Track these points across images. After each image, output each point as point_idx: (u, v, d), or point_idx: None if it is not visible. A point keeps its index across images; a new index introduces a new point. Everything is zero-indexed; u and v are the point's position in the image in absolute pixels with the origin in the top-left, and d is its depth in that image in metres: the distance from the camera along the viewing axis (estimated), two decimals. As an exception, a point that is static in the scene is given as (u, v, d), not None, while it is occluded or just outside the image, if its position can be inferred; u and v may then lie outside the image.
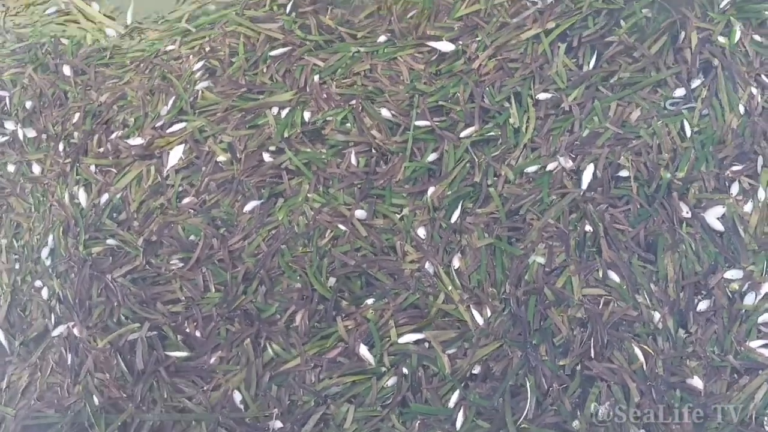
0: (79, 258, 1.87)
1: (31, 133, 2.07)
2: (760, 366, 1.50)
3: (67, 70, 2.13)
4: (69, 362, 1.78)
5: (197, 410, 1.66)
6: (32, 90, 2.12)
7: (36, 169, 2.03)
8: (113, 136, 1.99)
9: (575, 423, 1.49)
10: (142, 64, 2.09)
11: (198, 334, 1.72)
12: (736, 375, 1.51)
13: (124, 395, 1.71)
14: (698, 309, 1.55)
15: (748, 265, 1.56)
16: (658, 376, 1.50)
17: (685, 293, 1.56)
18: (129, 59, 2.12)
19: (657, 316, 1.54)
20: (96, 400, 1.73)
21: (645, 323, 1.55)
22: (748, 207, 1.61)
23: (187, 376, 1.70)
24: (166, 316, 1.75)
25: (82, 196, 1.95)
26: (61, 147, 2.02)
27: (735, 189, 1.64)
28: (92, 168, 1.97)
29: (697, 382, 1.49)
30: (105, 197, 1.92)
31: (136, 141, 1.96)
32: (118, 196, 1.91)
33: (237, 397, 1.64)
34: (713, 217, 1.61)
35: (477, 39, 1.87)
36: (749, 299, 1.54)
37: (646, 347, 1.52)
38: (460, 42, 1.87)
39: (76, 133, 2.02)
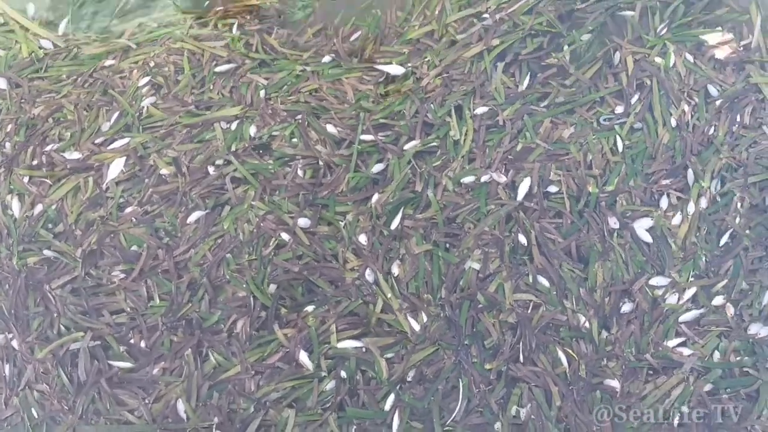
0: (13, 269, 1.99)
1: None
2: (676, 364, 1.73)
3: (2, 82, 2.23)
4: (6, 373, 1.91)
5: (139, 423, 1.81)
6: None
7: None
8: (48, 148, 2.11)
9: (497, 425, 1.70)
10: (79, 78, 2.21)
11: (143, 344, 1.88)
12: (653, 374, 1.73)
13: (65, 407, 1.85)
14: (621, 311, 1.77)
15: (674, 272, 1.79)
16: (581, 379, 1.72)
17: (610, 298, 1.78)
18: (65, 73, 2.24)
19: (582, 319, 1.76)
20: (35, 412, 1.87)
21: (571, 327, 1.76)
22: (676, 219, 1.84)
23: (129, 387, 1.85)
24: (111, 326, 1.90)
25: (15, 207, 2.06)
26: None
27: (664, 202, 1.86)
28: (25, 179, 2.09)
29: (615, 382, 1.71)
30: (39, 208, 2.04)
31: (73, 155, 2.08)
32: (54, 207, 2.04)
33: (180, 407, 1.80)
34: (642, 228, 1.83)
35: (426, 59, 2.06)
36: (672, 299, 1.78)
37: (569, 351, 1.74)
38: (410, 64, 2.07)
39: (7, 144, 2.13)
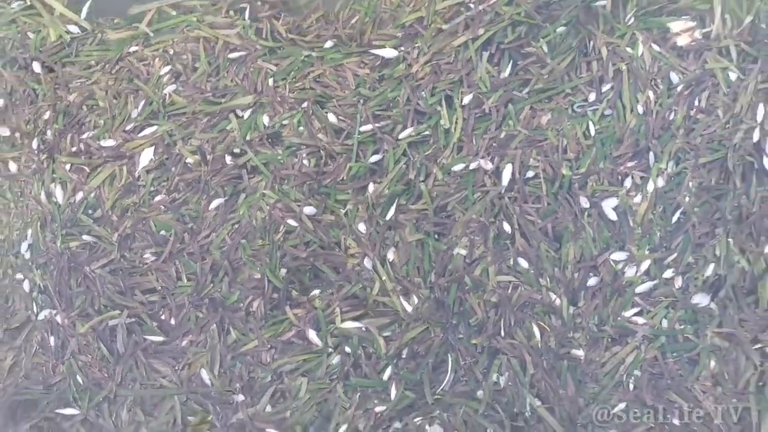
0: (57, 251, 2.19)
1: (5, 132, 2.26)
2: (632, 333, 1.93)
3: (36, 66, 2.27)
4: (52, 345, 2.16)
5: (170, 387, 2.07)
6: (2, 87, 2.29)
7: (12, 166, 2.24)
8: (84, 136, 2.25)
9: (479, 392, 1.93)
10: (107, 65, 2.30)
11: (172, 321, 2.11)
12: (612, 342, 1.94)
13: (106, 375, 2.11)
14: (587, 285, 1.96)
15: (633, 248, 1.96)
16: (551, 350, 1.93)
17: (579, 274, 1.96)
18: (95, 58, 2.31)
19: (554, 296, 1.95)
20: (80, 379, 2.13)
21: (544, 304, 1.95)
22: (638, 198, 1.99)
23: (161, 357, 2.09)
24: (144, 304, 2.12)
25: (58, 194, 2.18)
26: (35, 145, 2.23)
27: (628, 182, 2.01)
28: (66, 166, 2.24)
29: (580, 352, 1.93)
30: (80, 195, 2.21)
31: (108, 143, 2.23)
32: (92, 194, 2.21)
33: (204, 375, 2.05)
34: (609, 207, 1.99)
35: (416, 45, 2.15)
36: (630, 273, 1.95)
37: (543, 325, 1.94)
38: (402, 48, 2.16)
39: (48, 131, 2.23)
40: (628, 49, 2.07)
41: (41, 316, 2.18)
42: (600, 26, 2.10)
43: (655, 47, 2.07)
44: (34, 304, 2.21)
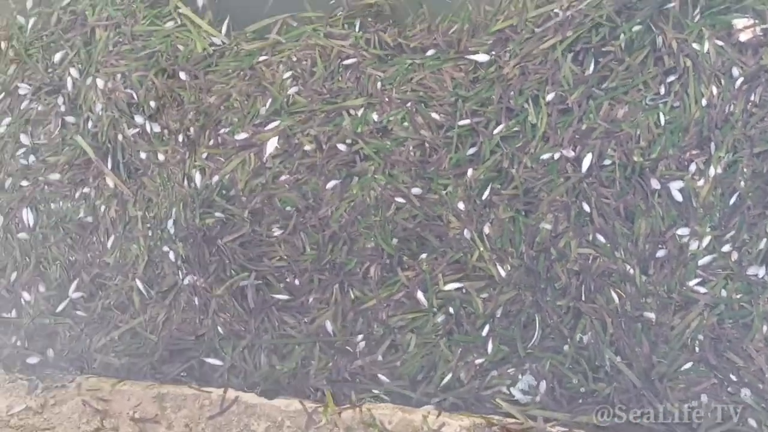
0: (196, 227, 2.52)
1: (157, 128, 2.57)
2: (695, 301, 2.15)
3: (182, 75, 2.58)
4: (197, 303, 2.51)
5: (299, 337, 2.41)
6: (155, 92, 2.57)
7: (161, 156, 2.54)
8: (221, 131, 2.50)
9: (565, 347, 2.20)
10: (242, 72, 2.56)
11: (297, 282, 2.44)
12: (678, 308, 2.16)
13: (243, 328, 2.45)
14: (657, 256, 2.18)
15: (696, 225, 2.18)
16: (626, 312, 2.18)
17: (649, 246, 2.19)
18: (232, 68, 2.55)
19: (628, 267, 2.19)
20: (221, 330, 2.47)
21: (620, 273, 2.19)
22: (701, 182, 2.19)
23: (290, 312, 2.42)
24: (272, 269, 2.45)
25: (197, 179, 2.48)
26: (180, 139, 2.53)
27: (693, 168, 2.20)
28: (204, 155, 2.50)
29: (651, 314, 2.16)
30: (215, 179, 2.53)
31: (241, 136, 2.50)
32: (227, 177, 2.52)
33: (329, 326, 2.37)
34: (675, 189, 2.20)
35: (508, 49, 2.37)
36: (693, 246, 2.17)
37: (619, 291, 2.18)
38: (493, 52, 2.40)
39: (191, 129, 2.53)
40: (695, 45, 2.24)
41: (186, 281, 2.53)
42: (670, 23, 2.28)
43: (719, 43, 2.23)
44: (179, 271, 2.55)
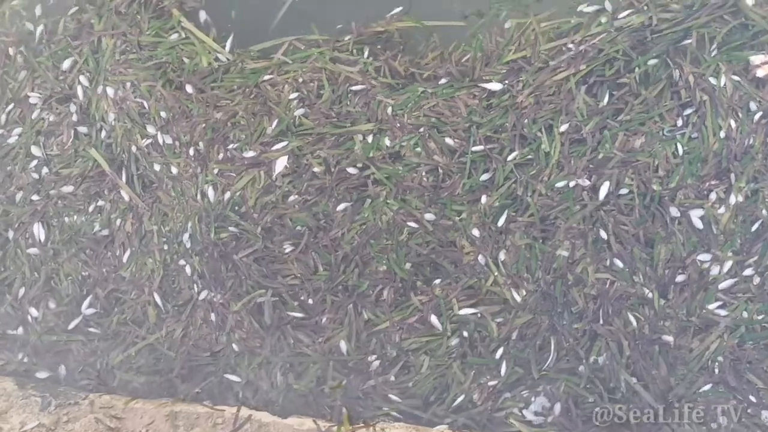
0: (211, 242, 2.53)
1: (168, 140, 2.55)
2: (715, 323, 2.18)
3: (189, 88, 2.57)
4: (213, 320, 2.51)
5: (313, 355, 2.42)
6: (164, 103, 2.57)
7: (174, 170, 2.52)
8: (230, 147, 2.49)
9: (580, 368, 2.22)
10: (246, 89, 2.54)
11: (310, 301, 2.45)
12: (698, 331, 2.19)
13: (259, 344, 2.46)
14: (676, 281, 2.21)
15: (717, 251, 2.21)
16: (644, 335, 2.20)
17: (669, 272, 2.22)
18: (237, 84, 2.53)
19: (646, 290, 2.21)
20: (235, 347, 2.47)
21: (638, 296, 2.21)
22: (721, 210, 2.23)
23: (305, 331, 2.43)
24: (286, 286, 2.47)
25: (210, 193, 2.49)
26: (191, 152, 2.52)
27: (713, 196, 2.24)
28: (215, 171, 2.49)
29: (669, 338, 2.19)
30: (227, 195, 2.55)
31: (249, 153, 2.48)
32: (238, 194, 2.53)
33: (342, 346, 2.39)
34: (695, 216, 2.24)
35: (521, 79, 2.41)
36: (714, 271, 2.21)
37: (637, 314, 2.21)
38: (506, 82, 2.43)
39: (201, 143, 2.53)
40: (712, 80, 2.29)
41: (201, 296, 2.54)
42: (687, 59, 2.32)
43: (736, 78, 2.28)
44: (195, 285, 2.56)
